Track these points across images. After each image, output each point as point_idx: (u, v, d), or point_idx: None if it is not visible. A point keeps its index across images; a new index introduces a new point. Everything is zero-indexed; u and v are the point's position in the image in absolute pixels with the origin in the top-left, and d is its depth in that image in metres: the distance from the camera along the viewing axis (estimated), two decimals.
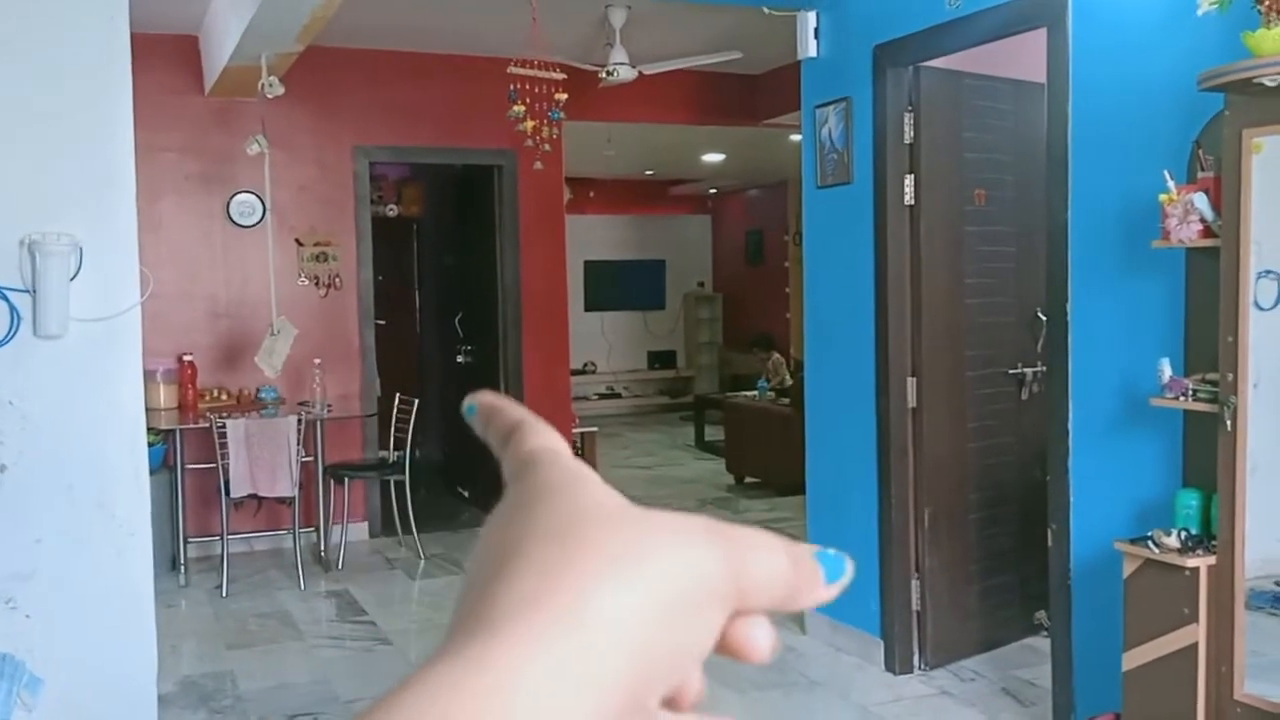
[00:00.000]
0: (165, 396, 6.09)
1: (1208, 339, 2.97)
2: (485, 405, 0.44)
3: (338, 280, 6.78)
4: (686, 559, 0.35)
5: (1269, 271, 2.81)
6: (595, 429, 8.60)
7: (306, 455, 5.99)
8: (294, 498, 5.81)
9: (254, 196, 6.46)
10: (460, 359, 7.97)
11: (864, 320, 4.44)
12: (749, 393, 8.97)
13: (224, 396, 6.39)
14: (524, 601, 0.33)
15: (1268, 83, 2.65)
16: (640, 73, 6.01)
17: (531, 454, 0.40)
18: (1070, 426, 3.61)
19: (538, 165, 6.02)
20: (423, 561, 6.30)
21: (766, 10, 4.69)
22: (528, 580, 0.34)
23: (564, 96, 5.65)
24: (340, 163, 6.77)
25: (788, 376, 9.40)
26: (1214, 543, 2.93)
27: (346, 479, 6.33)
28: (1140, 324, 3.36)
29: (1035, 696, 4.07)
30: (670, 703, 0.36)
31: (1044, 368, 4.16)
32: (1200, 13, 2.86)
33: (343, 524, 6.33)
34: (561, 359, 7.46)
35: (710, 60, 6.31)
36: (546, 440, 0.41)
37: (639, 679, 0.33)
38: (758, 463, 8.26)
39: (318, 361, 6.31)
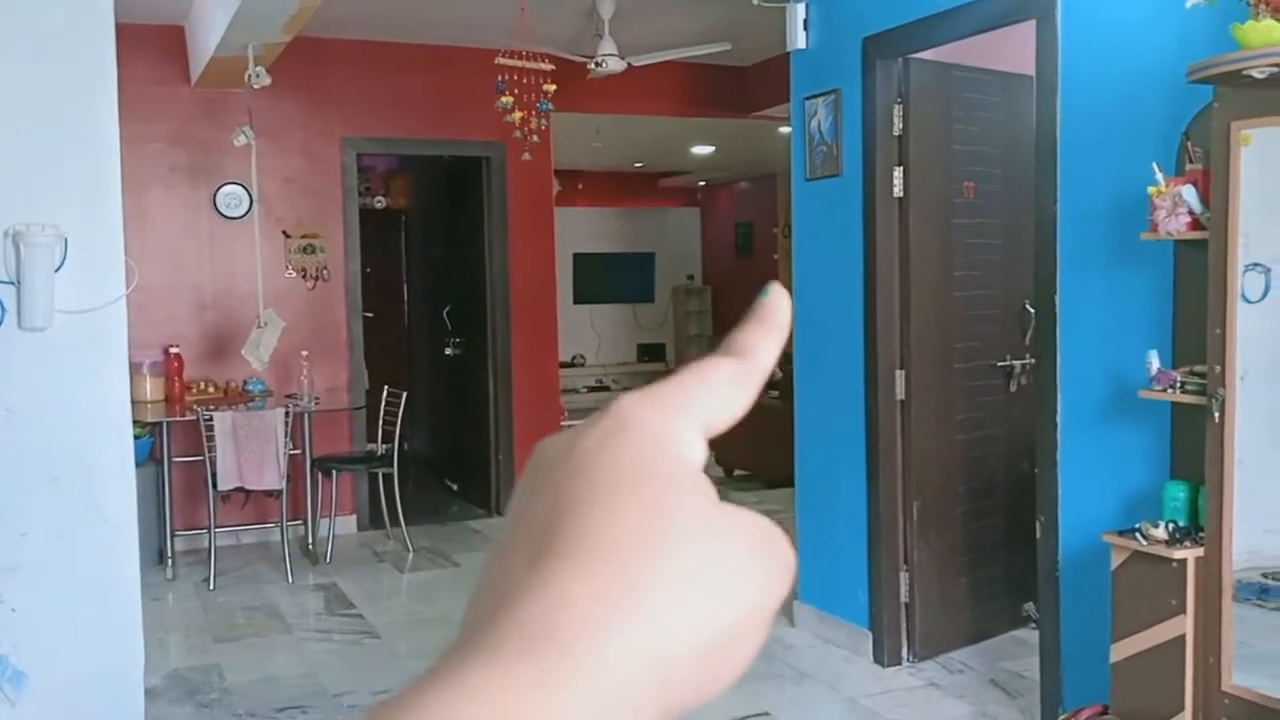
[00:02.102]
0: (152, 389, 6.06)
1: (1196, 331, 2.98)
2: (768, 308, 0.36)
3: (325, 272, 6.75)
4: (762, 583, 0.30)
5: (1257, 264, 2.81)
6: (584, 422, 8.59)
7: (294, 448, 5.97)
8: (281, 490, 5.79)
9: (241, 188, 6.43)
10: (449, 351, 7.96)
11: (853, 313, 4.43)
12: None
13: (211, 389, 6.36)
14: (549, 620, 0.27)
15: (1256, 75, 2.64)
16: (629, 64, 5.99)
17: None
18: (1058, 419, 3.61)
19: (526, 156, 6.00)
20: (411, 555, 6.28)
21: (756, 1, 4.67)
22: (571, 584, 0.27)
23: (552, 87, 5.63)
24: (328, 154, 6.73)
25: (777, 369, 9.41)
26: (1201, 534, 2.94)
27: (334, 472, 6.31)
28: (1128, 316, 3.36)
29: (1023, 688, 4.08)
30: None
31: (1032, 360, 4.17)
32: (1189, 5, 2.86)
33: (330, 517, 6.31)
34: (550, 351, 7.45)
35: (699, 52, 6.29)
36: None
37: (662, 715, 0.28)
38: (747, 455, 8.26)
39: (305, 354, 6.28)
